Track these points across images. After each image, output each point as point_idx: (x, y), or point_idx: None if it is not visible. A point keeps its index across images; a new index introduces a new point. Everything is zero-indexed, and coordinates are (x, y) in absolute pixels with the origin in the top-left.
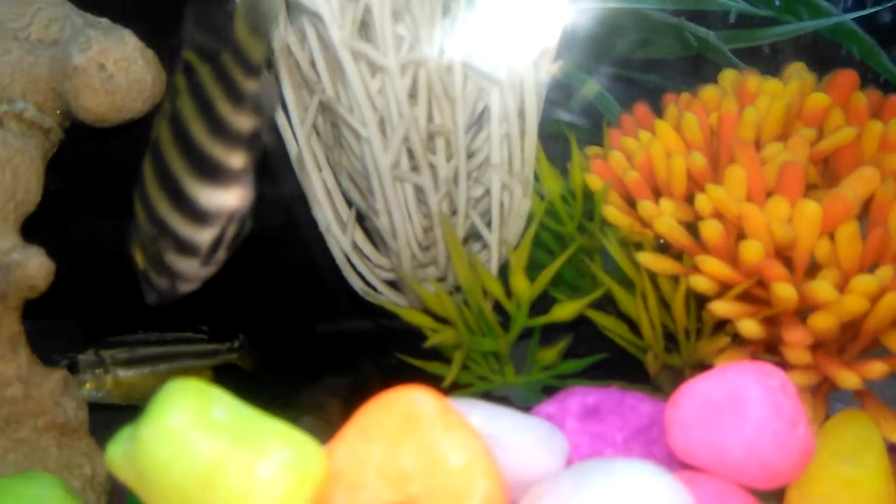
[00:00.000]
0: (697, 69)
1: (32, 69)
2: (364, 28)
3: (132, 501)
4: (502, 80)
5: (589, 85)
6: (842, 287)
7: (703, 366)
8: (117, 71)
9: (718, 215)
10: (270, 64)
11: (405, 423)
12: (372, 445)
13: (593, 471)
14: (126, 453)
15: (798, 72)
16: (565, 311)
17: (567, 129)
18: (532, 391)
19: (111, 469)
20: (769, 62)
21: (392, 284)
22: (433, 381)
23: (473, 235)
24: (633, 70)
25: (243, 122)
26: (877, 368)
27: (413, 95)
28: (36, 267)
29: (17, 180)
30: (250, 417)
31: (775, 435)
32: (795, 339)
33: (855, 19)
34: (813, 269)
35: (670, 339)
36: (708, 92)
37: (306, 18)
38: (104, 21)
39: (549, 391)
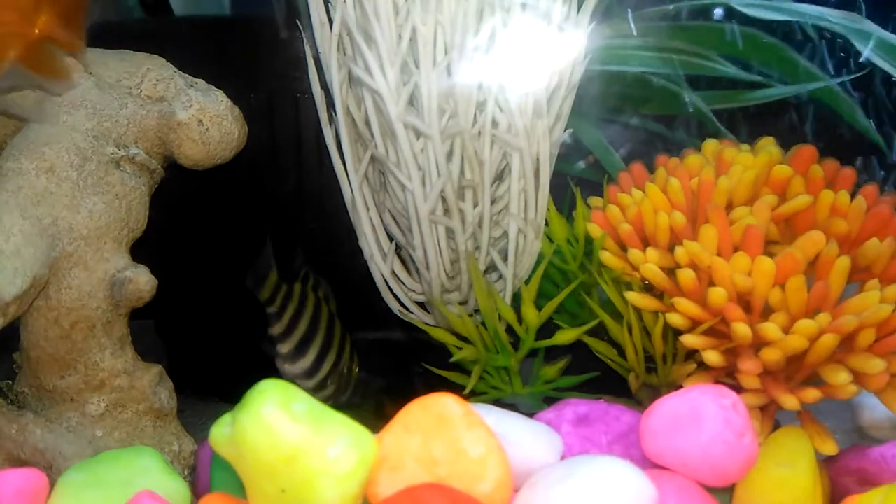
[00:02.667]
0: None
1: (143, 121)
2: (413, 100)
3: (216, 476)
4: (522, 147)
5: (596, 144)
6: (788, 328)
7: (675, 386)
8: (212, 126)
9: (693, 265)
10: (332, 119)
11: (437, 421)
12: (411, 437)
13: (578, 463)
14: (226, 435)
15: (767, 145)
16: (565, 336)
17: (572, 184)
18: (535, 401)
19: (214, 446)
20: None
21: (422, 306)
22: (454, 388)
23: (492, 269)
24: (644, 120)
25: None
26: (811, 394)
27: (451, 152)
28: (145, 282)
29: (130, 212)
30: (322, 411)
31: (725, 443)
32: (747, 368)
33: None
34: (768, 312)
35: (650, 363)
36: (691, 159)
37: (365, 89)
38: (201, 82)
39: (549, 401)
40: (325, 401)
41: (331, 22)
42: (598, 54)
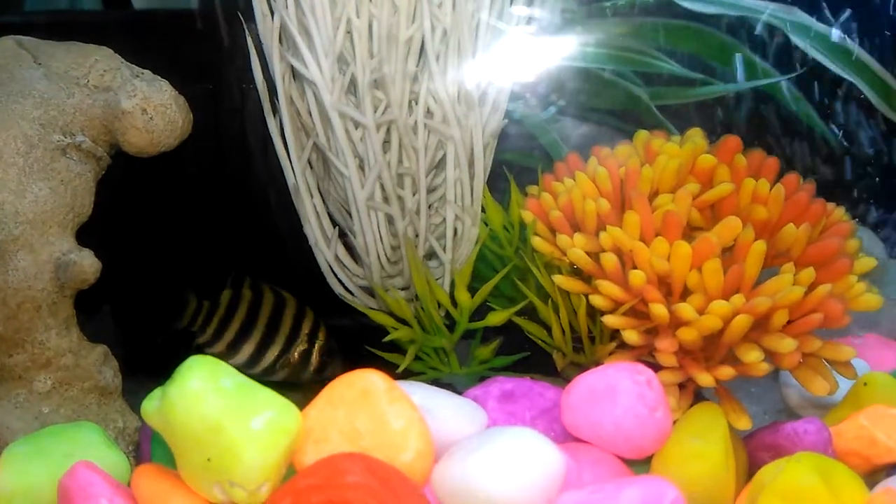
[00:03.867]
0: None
1: (90, 110)
2: (351, 89)
3: (155, 450)
4: (455, 136)
5: (543, 133)
6: (704, 309)
7: (600, 364)
8: (156, 114)
9: (616, 249)
10: (276, 109)
11: (361, 395)
12: (336, 410)
13: (493, 433)
14: (157, 407)
15: (693, 136)
16: (496, 317)
17: (507, 172)
18: (471, 380)
19: (145, 418)
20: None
21: (365, 290)
22: (393, 368)
23: (432, 255)
24: (595, 114)
25: None
26: (725, 372)
27: (387, 141)
28: (89, 265)
29: (76, 197)
30: (248, 385)
31: (638, 417)
32: (664, 347)
33: None
34: (687, 294)
35: (579, 343)
36: (621, 149)
37: (305, 81)
38: (147, 73)
39: (484, 380)
40: (281, 382)
41: (273, 14)
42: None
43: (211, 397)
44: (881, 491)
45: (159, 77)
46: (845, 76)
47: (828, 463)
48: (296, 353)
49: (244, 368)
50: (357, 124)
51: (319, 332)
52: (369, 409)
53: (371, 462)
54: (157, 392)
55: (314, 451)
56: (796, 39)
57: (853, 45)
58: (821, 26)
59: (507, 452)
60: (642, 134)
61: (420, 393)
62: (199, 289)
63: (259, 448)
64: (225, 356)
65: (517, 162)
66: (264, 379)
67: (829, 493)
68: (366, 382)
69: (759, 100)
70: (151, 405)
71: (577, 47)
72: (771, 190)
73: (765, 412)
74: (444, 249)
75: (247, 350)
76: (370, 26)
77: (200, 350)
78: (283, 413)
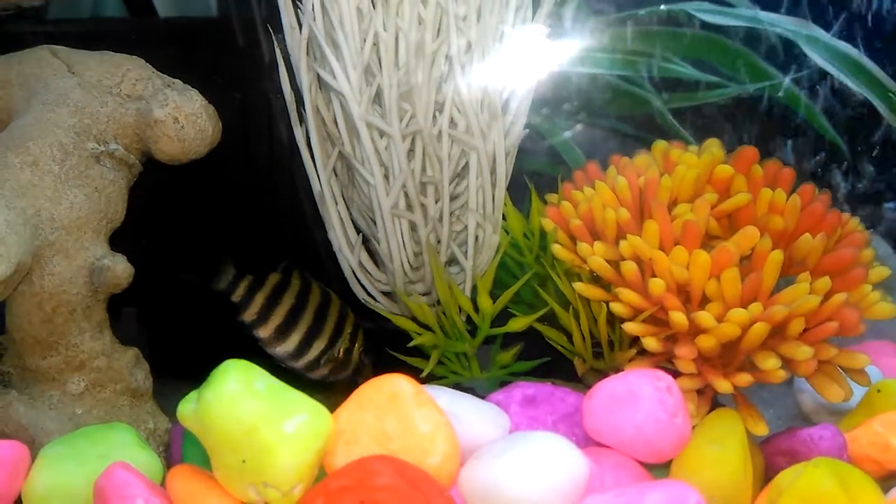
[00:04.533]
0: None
1: (122, 118)
2: (377, 99)
3: (187, 451)
4: (479, 145)
5: (559, 141)
6: (723, 317)
7: (620, 370)
8: (187, 123)
9: (636, 258)
10: (302, 118)
11: (390, 399)
12: (365, 413)
13: (518, 438)
14: (193, 410)
15: (710, 146)
16: (518, 323)
17: (528, 180)
18: (492, 384)
19: (182, 420)
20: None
21: (388, 295)
22: (416, 372)
23: (453, 261)
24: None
25: None
26: (743, 378)
27: (412, 150)
28: (122, 269)
29: (109, 204)
30: (281, 388)
31: (658, 422)
32: (683, 354)
33: None
34: (706, 302)
35: (598, 348)
36: (640, 159)
37: (332, 91)
38: (178, 82)
39: (504, 384)
40: (321, 379)
41: (301, 26)
42: (560, 57)
43: (246, 400)
44: None
45: (189, 87)
46: (857, 89)
47: (845, 468)
48: (340, 351)
49: (290, 359)
50: (382, 134)
51: (360, 333)
52: (398, 413)
53: (400, 464)
54: (192, 395)
55: (345, 454)
56: (810, 52)
57: (865, 59)
58: (833, 40)
59: (532, 456)
60: (661, 144)
61: (445, 397)
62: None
63: (292, 450)
64: (273, 342)
65: (539, 171)
66: (306, 374)
67: (846, 498)
68: (394, 387)
69: (777, 109)
70: (187, 407)
71: (596, 56)
72: (787, 200)
73: (778, 418)
74: (466, 256)
75: (294, 338)
76: (396, 39)
77: (245, 326)
78: (315, 416)
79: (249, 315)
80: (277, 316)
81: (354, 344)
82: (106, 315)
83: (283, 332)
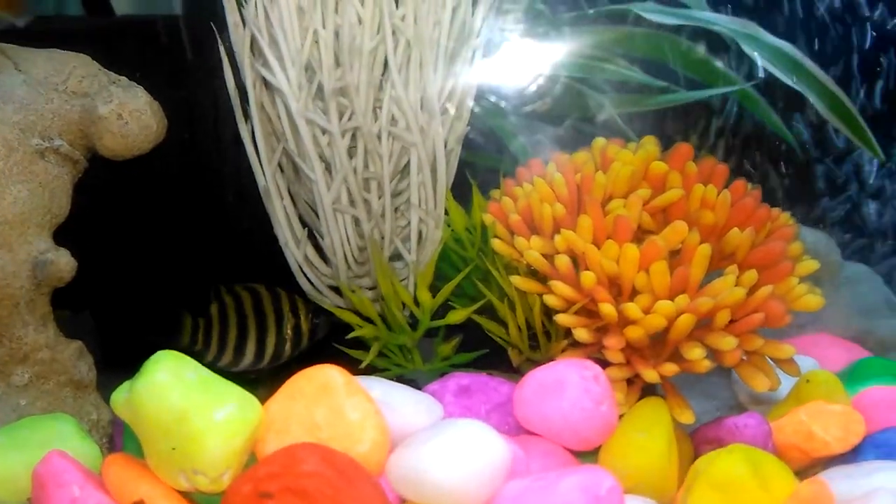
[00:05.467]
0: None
1: (68, 115)
2: (319, 95)
3: (127, 441)
4: (418, 143)
5: (512, 139)
6: (651, 309)
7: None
8: (131, 120)
9: (570, 252)
10: (247, 115)
11: (320, 389)
12: (296, 403)
13: (444, 425)
14: (126, 399)
15: (646, 143)
16: (457, 316)
17: (470, 176)
18: (434, 376)
19: (115, 409)
20: None
21: (335, 289)
22: (359, 363)
23: (397, 256)
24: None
25: None
26: (669, 368)
27: (354, 146)
28: (65, 263)
29: (53, 199)
30: (212, 379)
31: (584, 410)
32: (611, 344)
33: None
34: (637, 294)
35: (534, 340)
36: (579, 155)
37: (274, 88)
38: (123, 79)
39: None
40: (292, 359)
41: (244, 24)
42: (509, 56)
43: (176, 389)
44: (807, 481)
45: (135, 83)
46: (796, 87)
47: (759, 455)
48: (289, 331)
49: (252, 366)
50: (324, 130)
51: (299, 304)
52: (328, 402)
53: (327, 452)
54: (126, 385)
55: (275, 442)
56: (749, 51)
57: (803, 58)
58: (772, 38)
59: (455, 442)
60: (599, 141)
61: (380, 388)
62: (183, 300)
63: (221, 438)
64: (233, 363)
65: (487, 165)
66: (275, 365)
67: (757, 483)
68: (325, 377)
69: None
70: (121, 397)
71: (544, 55)
72: (718, 196)
73: (717, 408)
74: (409, 251)
75: (250, 349)
76: (336, 36)
77: (211, 366)
78: (244, 405)
79: (211, 354)
80: (230, 341)
81: (299, 316)
82: (50, 308)
83: (238, 351)
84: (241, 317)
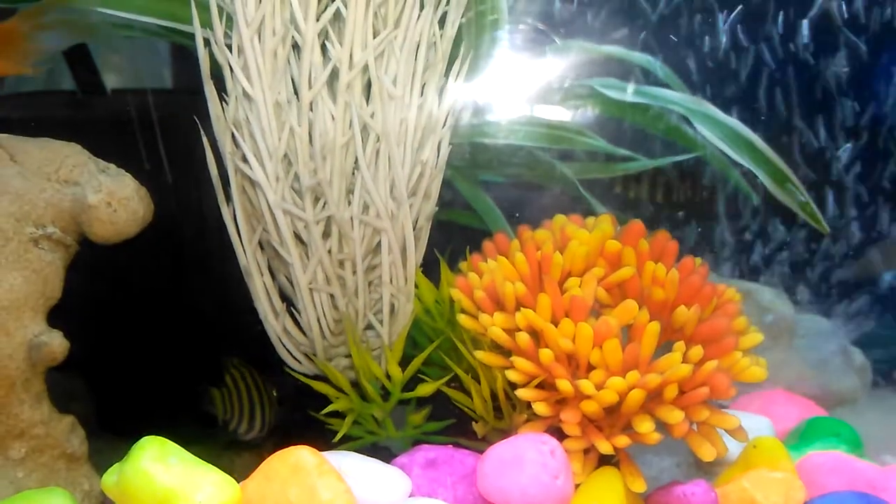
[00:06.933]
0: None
1: (60, 203)
2: (297, 179)
3: None
4: (388, 228)
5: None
6: (604, 384)
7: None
8: (119, 207)
9: (530, 328)
10: (229, 198)
11: (293, 470)
12: (271, 483)
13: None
14: (115, 481)
15: (601, 222)
16: (426, 388)
17: (438, 254)
18: (407, 443)
19: (105, 491)
20: None
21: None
22: (334, 433)
23: (370, 328)
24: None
25: None
26: (622, 440)
27: (327, 230)
28: (58, 345)
29: (47, 283)
30: (193, 462)
31: (541, 484)
32: (567, 418)
33: None
34: (591, 369)
35: (499, 410)
36: (540, 233)
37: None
38: (112, 167)
39: (417, 443)
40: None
41: (226, 116)
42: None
43: (160, 473)
44: None
45: (123, 171)
46: (744, 163)
47: None
48: (274, 401)
49: (259, 433)
50: (300, 217)
51: (260, 381)
52: (300, 482)
53: None
54: (115, 468)
55: None
56: (701, 128)
57: (750, 133)
58: (724, 116)
59: None
60: (560, 219)
61: (348, 462)
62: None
63: None
64: (248, 431)
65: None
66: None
67: None
68: (298, 458)
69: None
70: (110, 479)
71: (510, 126)
72: (668, 273)
73: (677, 464)
74: (382, 324)
75: (258, 416)
76: (310, 133)
77: (235, 433)
78: (223, 487)
79: (234, 423)
80: (245, 409)
81: (271, 392)
82: (44, 386)
83: (251, 418)
84: (247, 388)
